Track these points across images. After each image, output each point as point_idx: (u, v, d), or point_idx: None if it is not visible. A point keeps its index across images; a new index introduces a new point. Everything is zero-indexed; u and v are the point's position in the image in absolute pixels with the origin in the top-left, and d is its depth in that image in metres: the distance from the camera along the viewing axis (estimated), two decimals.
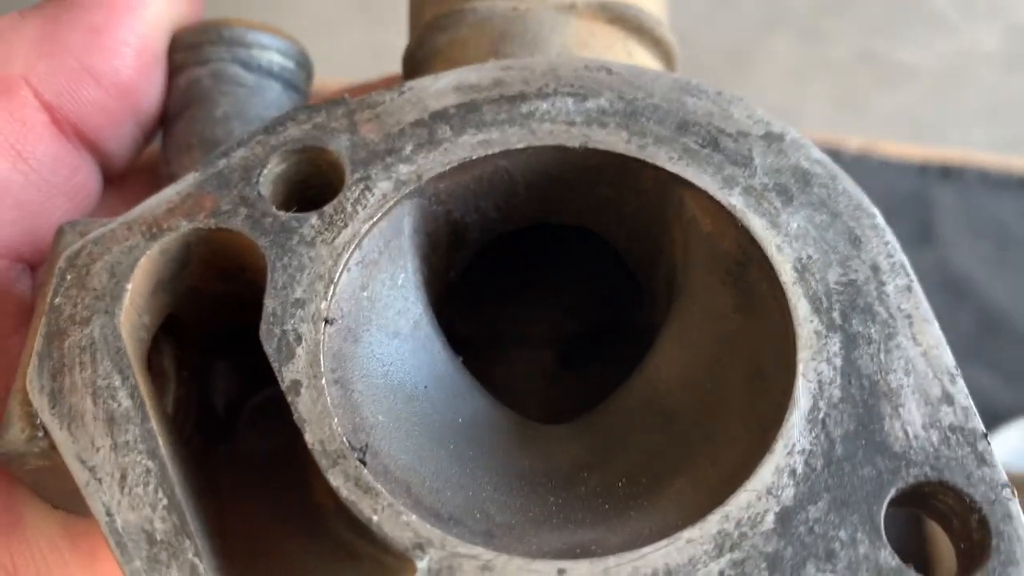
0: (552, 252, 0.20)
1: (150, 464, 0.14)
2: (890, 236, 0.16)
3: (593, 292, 0.21)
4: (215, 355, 0.18)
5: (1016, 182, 0.59)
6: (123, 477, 0.14)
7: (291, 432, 0.15)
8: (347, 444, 0.14)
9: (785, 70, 0.81)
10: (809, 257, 0.15)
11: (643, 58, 0.18)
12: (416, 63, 0.19)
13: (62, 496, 0.16)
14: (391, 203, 0.15)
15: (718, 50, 0.77)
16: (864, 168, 0.58)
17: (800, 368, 0.14)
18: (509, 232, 0.18)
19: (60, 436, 0.14)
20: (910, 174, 0.60)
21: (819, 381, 0.14)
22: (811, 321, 0.15)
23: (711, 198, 0.15)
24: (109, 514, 0.13)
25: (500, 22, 0.18)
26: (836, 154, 0.57)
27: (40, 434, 0.14)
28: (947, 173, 0.60)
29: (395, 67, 0.22)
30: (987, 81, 0.80)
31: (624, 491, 0.15)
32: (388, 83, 0.21)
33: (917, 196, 0.59)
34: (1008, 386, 0.51)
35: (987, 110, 0.80)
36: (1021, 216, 0.59)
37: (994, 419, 0.48)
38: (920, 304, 0.15)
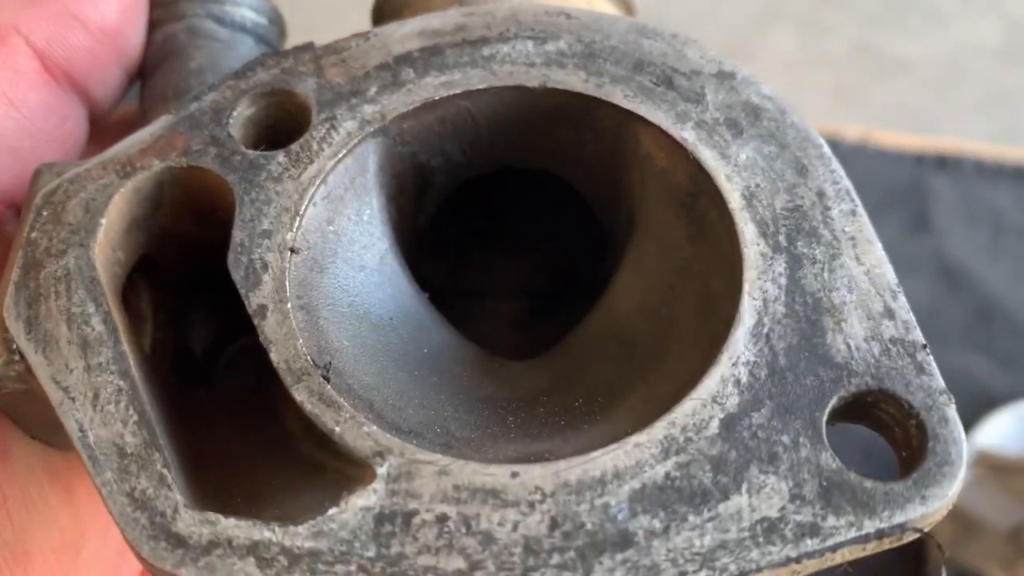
0: (520, 206, 0.20)
1: (121, 384, 0.15)
2: (836, 165, 0.16)
3: (559, 248, 0.21)
4: (191, 300, 0.18)
5: (1011, 172, 0.60)
6: (96, 396, 0.15)
7: (265, 373, 0.15)
8: (311, 362, 0.15)
9: (784, 62, 0.83)
10: (757, 185, 0.16)
11: (603, 7, 0.19)
12: (384, 16, 0.20)
13: (38, 424, 0.17)
14: (356, 141, 0.16)
15: (718, 43, 0.78)
16: (862, 157, 0.60)
17: (746, 287, 0.15)
18: (476, 179, 0.18)
19: (35, 359, 0.15)
20: (907, 164, 0.61)
21: (764, 299, 0.15)
22: (757, 244, 0.16)
23: (664, 133, 0.16)
24: (82, 430, 0.14)
25: None
26: (834, 144, 0.59)
27: (16, 358, 0.15)
28: (943, 163, 0.61)
29: None
30: (983, 74, 0.81)
31: (581, 409, 0.16)
32: None
33: (914, 185, 0.61)
34: (1002, 371, 0.52)
35: (983, 102, 0.81)
36: (1015, 205, 0.60)
37: (988, 404, 0.50)
38: (864, 227, 0.16)
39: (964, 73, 0.80)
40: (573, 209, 0.20)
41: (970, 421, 0.49)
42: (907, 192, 0.60)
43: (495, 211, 0.20)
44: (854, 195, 0.16)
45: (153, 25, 0.20)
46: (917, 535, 0.14)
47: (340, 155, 0.16)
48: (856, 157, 0.60)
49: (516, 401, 0.17)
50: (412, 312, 0.17)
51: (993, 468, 0.48)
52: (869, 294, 0.15)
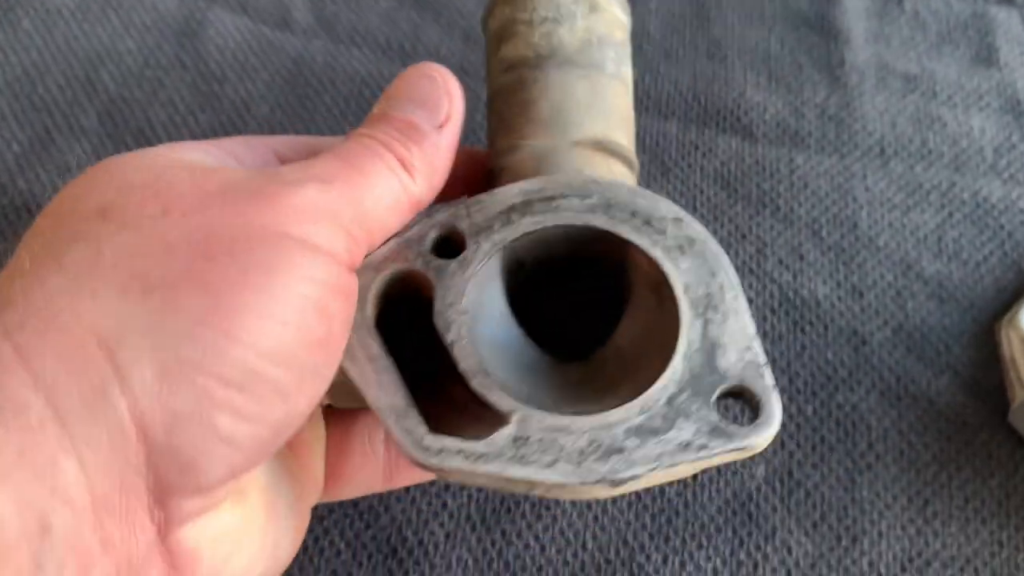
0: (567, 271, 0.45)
1: (393, 377, 0.36)
2: (731, 271, 0.40)
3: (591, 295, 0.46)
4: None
5: None
6: (380, 383, 0.36)
7: (438, 370, 0.37)
8: (480, 368, 0.38)
9: None
10: (690, 282, 0.40)
11: (618, 167, 0.44)
12: (494, 173, 0.45)
13: (343, 397, 0.39)
14: (489, 256, 0.40)
15: None
16: None
17: (682, 335, 0.38)
18: (542, 264, 0.43)
19: (347, 365, 0.36)
20: None
21: (688, 341, 0.38)
22: (688, 314, 0.39)
23: (645, 252, 0.41)
24: (376, 401, 0.35)
25: (540, 152, 0.43)
26: None
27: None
28: None
29: None
30: None
31: (602, 391, 0.37)
32: (470, 154, 0.46)
33: (979, 18, 0.71)
34: None
35: None
36: None
37: None
38: (741, 304, 0.39)
39: None
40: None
41: None
42: (972, 25, 0.70)
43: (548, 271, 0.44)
44: (738, 286, 0.39)
45: None
46: (752, 452, 0.35)
47: (482, 263, 0.40)
48: None
49: (569, 386, 0.40)
50: (516, 339, 0.42)
51: None
52: (739, 339, 0.38)
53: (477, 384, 0.37)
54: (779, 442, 0.53)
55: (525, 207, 0.41)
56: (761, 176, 0.64)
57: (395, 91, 0.40)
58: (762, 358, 0.37)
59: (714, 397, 0.36)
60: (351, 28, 0.71)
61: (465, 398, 0.37)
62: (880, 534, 0.51)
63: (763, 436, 0.35)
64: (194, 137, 0.63)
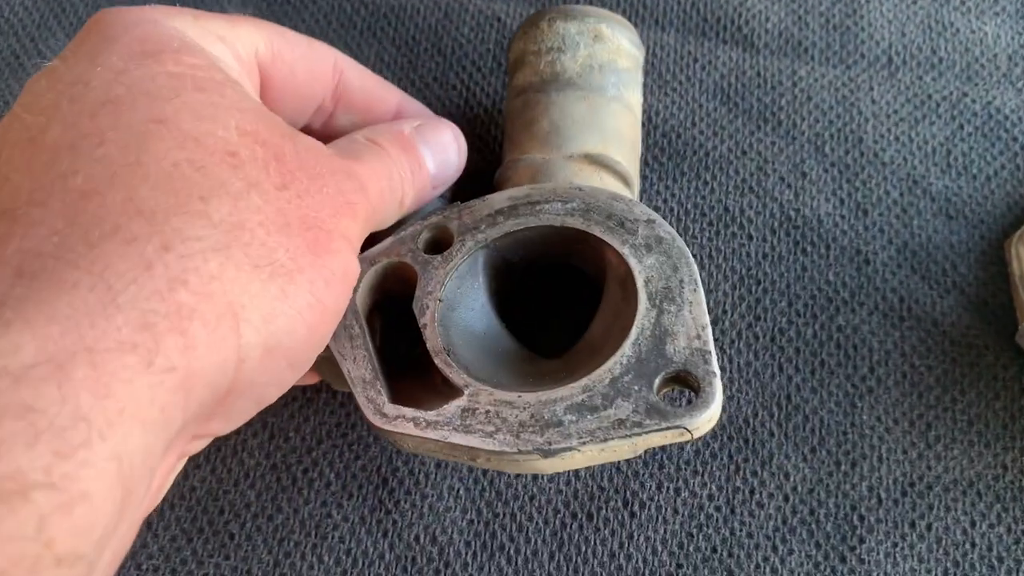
0: (554, 274, 0.58)
1: (366, 353, 0.46)
2: (694, 266, 0.48)
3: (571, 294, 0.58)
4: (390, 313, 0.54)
5: None
6: (355, 359, 0.46)
7: (422, 355, 0.48)
8: (443, 348, 0.47)
9: None
10: (651, 276, 0.51)
11: (609, 179, 0.55)
12: (498, 183, 0.57)
13: (329, 374, 0.52)
14: (472, 252, 0.53)
15: None
16: None
17: (635, 323, 0.45)
18: (533, 266, 0.55)
19: (331, 343, 0.46)
20: None
21: (641, 328, 0.45)
22: (645, 304, 0.47)
23: (615, 250, 0.52)
24: (349, 372, 0.45)
25: (536, 164, 0.55)
26: None
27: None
28: None
29: None
30: None
31: (566, 379, 0.45)
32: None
33: None
34: None
35: None
36: None
37: None
38: (698, 296, 0.46)
39: None
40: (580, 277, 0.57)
41: None
42: None
43: (541, 276, 0.57)
44: (698, 282, 0.47)
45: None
46: (687, 433, 0.41)
47: (465, 258, 0.52)
48: None
49: (542, 376, 0.48)
50: (493, 332, 0.54)
51: None
52: (691, 328, 0.45)
53: (439, 361, 0.45)
54: (777, 366, 0.57)
55: (511, 211, 0.51)
56: (762, 89, 0.67)
57: (428, 134, 0.52)
58: (710, 346, 0.44)
59: (657, 380, 0.43)
60: None
61: (439, 379, 0.46)
62: (880, 458, 0.54)
63: (700, 417, 0.41)
64: None
